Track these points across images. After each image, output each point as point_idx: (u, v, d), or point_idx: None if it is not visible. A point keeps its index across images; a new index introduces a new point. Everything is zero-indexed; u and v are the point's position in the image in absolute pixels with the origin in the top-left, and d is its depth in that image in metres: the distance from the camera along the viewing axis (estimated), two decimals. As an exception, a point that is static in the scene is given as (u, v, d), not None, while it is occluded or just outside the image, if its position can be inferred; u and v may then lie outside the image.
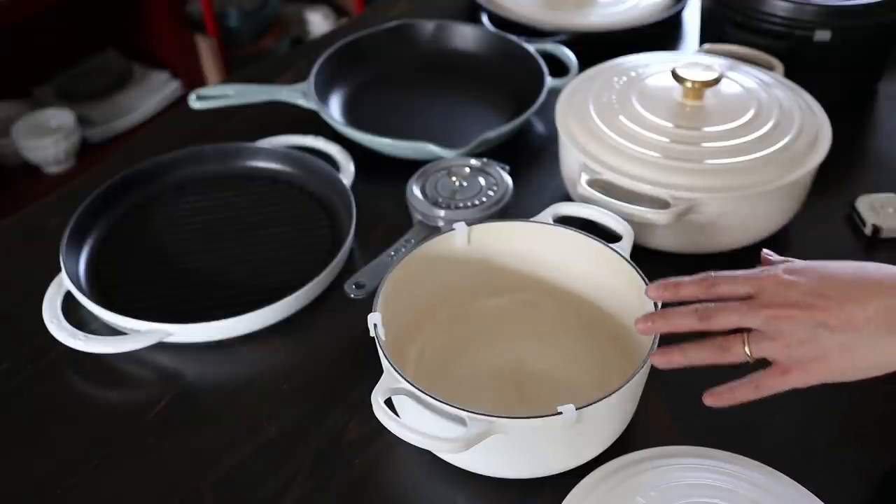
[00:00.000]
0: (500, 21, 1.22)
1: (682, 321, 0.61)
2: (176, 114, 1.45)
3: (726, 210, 0.82)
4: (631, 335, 0.72)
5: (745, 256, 0.86)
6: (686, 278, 0.62)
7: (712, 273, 0.61)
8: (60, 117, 1.93)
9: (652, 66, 0.94)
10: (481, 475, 0.69)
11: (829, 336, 0.56)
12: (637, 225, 0.79)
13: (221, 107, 1.06)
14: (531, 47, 1.11)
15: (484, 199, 0.87)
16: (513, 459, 0.67)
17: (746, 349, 0.59)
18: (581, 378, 0.75)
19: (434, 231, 0.86)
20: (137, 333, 0.79)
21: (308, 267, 0.85)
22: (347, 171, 0.98)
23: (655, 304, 0.68)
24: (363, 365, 0.75)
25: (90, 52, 2.15)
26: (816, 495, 0.64)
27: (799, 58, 1.01)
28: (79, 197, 0.92)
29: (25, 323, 0.83)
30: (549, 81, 1.05)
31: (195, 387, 0.79)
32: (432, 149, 0.95)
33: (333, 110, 1.09)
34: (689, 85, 0.86)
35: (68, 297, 0.83)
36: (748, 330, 0.59)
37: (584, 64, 1.02)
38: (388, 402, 0.63)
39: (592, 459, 0.68)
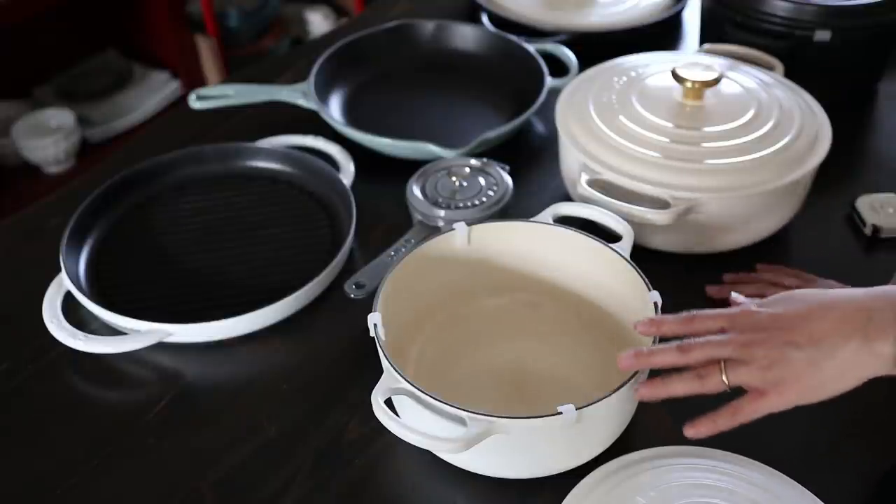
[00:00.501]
0: (500, 21, 1.22)
1: (664, 358, 0.63)
2: (176, 114, 1.46)
3: (726, 210, 0.82)
4: (631, 335, 0.72)
5: (745, 256, 0.86)
6: (669, 317, 0.65)
7: (693, 312, 0.65)
8: (60, 117, 1.93)
9: (652, 66, 0.94)
10: (481, 475, 0.69)
11: (796, 353, 0.60)
12: (637, 225, 0.79)
13: (221, 107, 1.06)
14: (531, 47, 1.12)
15: (484, 199, 0.87)
16: (513, 459, 0.67)
17: (723, 377, 0.62)
18: (581, 378, 0.75)
19: (434, 231, 0.86)
20: (137, 333, 0.79)
21: (308, 267, 0.85)
22: (347, 171, 0.98)
23: (655, 306, 0.68)
24: (363, 365, 0.75)
25: (90, 52, 2.15)
26: (816, 495, 0.64)
27: (799, 58, 1.01)
28: (79, 197, 0.92)
29: (25, 323, 0.83)
30: (549, 81, 1.05)
31: (195, 387, 0.79)
32: (432, 149, 0.95)
33: (333, 110, 1.09)
34: (689, 85, 0.86)
35: (68, 297, 0.83)
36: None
37: (584, 64, 1.02)
38: (388, 402, 0.63)
39: (592, 459, 0.68)
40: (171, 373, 0.80)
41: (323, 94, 1.08)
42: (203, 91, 1.07)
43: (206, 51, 2.16)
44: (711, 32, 1.10)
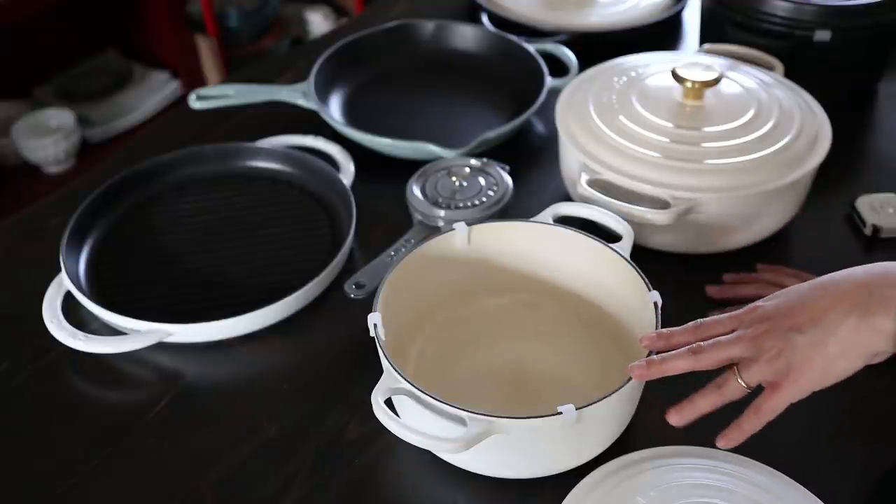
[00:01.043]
0: (500, 21, 1.22)
1: (677, 363, 0.63)
2: (176, 114, 1.46)
3: (726, 210, 0.82)
4: (631, 335, 0.72)
5: (745, 256, 0.86)
6: (677, 329, 0.65)
7: (699, 320, 0.65)
8: (60, 117, 1.93)
9: (652, 66, 0.94)
10: (481, 475, 0.69)
11: (800, 337, 0.60)
12: (637, 225, 0.79)
13: (221, 107, 1.06)
14: (531, 47, 1.11)
15: (484, 199, 0.87)
16: (513, 459, 0.67)
17: (739, 380, 0.62)
18: (581, 378, 0.75)
19: (434, 231, 0.86)
20: (137, 333, 0.79)
21: (308, 267, 0.85)
22: (347, 171, 0.98)
23: (655, 306, 0.68)
24: (363, 365, 0.75)
25: (90, 52, 2.15)
26: (817, 495, 0.64)
27: (799, 58, 1.01)
28: (79, 197, 0.92)
29: (25, 323, 0.83)
30: (549, 81, 1.05)
31: (195, 387, 0.79)
32: (432, 149, 0.95)
33: (333, 110, 1.09)
34: (689, 85, 0.86)
35: (68, 297, 0.83)
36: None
37: (584, 64, 1.02)
38: (388, 402, 0.63)
39: (592, 459, 0.68)
40: (171, 373, 0.80)
41: (323, 94, 1.08)
42: (203, 91, 1.07)
43: (206, 51, 2.16)
44: (711, 32, 1.10)
